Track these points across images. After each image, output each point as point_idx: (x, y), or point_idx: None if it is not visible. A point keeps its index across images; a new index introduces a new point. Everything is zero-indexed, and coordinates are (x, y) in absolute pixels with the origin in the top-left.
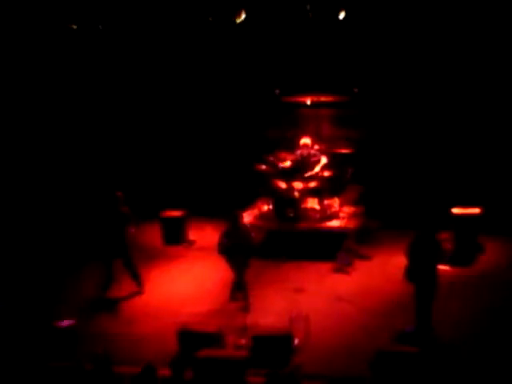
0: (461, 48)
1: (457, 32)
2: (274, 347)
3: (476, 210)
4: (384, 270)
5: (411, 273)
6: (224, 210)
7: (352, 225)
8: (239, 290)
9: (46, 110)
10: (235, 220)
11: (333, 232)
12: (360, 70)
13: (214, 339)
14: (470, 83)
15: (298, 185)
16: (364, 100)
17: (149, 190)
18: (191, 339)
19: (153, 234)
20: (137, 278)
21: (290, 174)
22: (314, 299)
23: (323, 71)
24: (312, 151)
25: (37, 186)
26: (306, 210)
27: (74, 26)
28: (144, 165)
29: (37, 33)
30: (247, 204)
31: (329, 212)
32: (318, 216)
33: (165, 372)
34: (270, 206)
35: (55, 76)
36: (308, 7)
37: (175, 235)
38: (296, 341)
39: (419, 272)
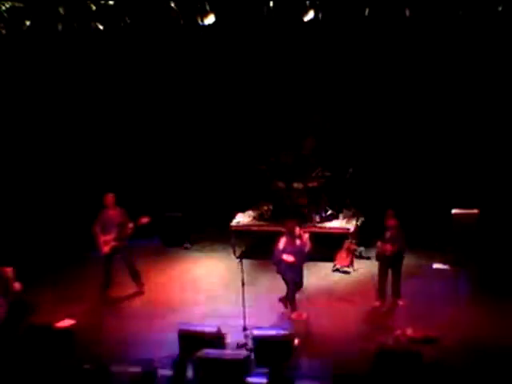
0: (461, 49)
1: (452, 30)
2: (274, 347)
3: (475, 211)
4: None
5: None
6: (224, 211)
7: (352, 225)
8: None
9: (46, 112)
10: (292, 231)
11: (333, 232)
12: (361, 69)
13: (214, 339)
14: (469, 85)
15: (298, 185)
16: (364, 101)
17: (149, 191)
18: (191, 339)
19: (153, 235)
20: (137, 278)
21: (291, 174)
22: (314, 299)
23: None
24: (314, 151)
25: (36, 186)
26: (306, 210)
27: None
28: (144, 166)
29: (37, 33)
30: (247, 205)
31: (329, 212)
32: (317, 216)
33: (165, 372)
34: (270, 207)
35: (56, 78)
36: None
37: (175, 236)
38: (296, 341)
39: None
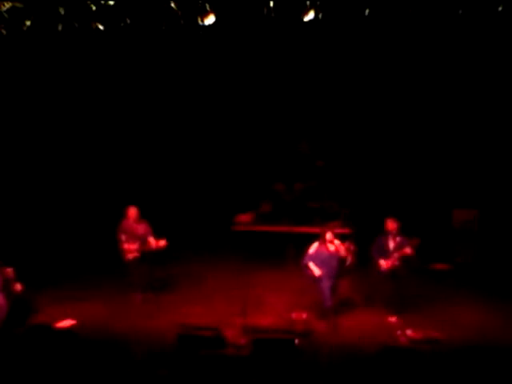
0: (460, 49)
1: (452, 30)
2: (274, 347)
3: (475, 211)
4: None
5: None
6: (225, 211)
7: (352, 226)
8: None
9: (46, 112)
10: (322, 238)
11: None
12: (361, 68)
13: (213, 339)
14: (469, 85)
15: (298, 186)
16: (364, 101)
17: (150, 190)
18: (191, 339)
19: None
20: (143, 289)
21: (291, 174)
22: (314, 299)
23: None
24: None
25: (36, 187)
26: (306, 211)
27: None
28: (145, 167)
29: (38, 33)
30: (247, 205)
31: (329, 213)
32: (318, 217)
33: (165, 372)
34: (270, 208)
35: (57, 78)
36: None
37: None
38: (296, 341)
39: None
